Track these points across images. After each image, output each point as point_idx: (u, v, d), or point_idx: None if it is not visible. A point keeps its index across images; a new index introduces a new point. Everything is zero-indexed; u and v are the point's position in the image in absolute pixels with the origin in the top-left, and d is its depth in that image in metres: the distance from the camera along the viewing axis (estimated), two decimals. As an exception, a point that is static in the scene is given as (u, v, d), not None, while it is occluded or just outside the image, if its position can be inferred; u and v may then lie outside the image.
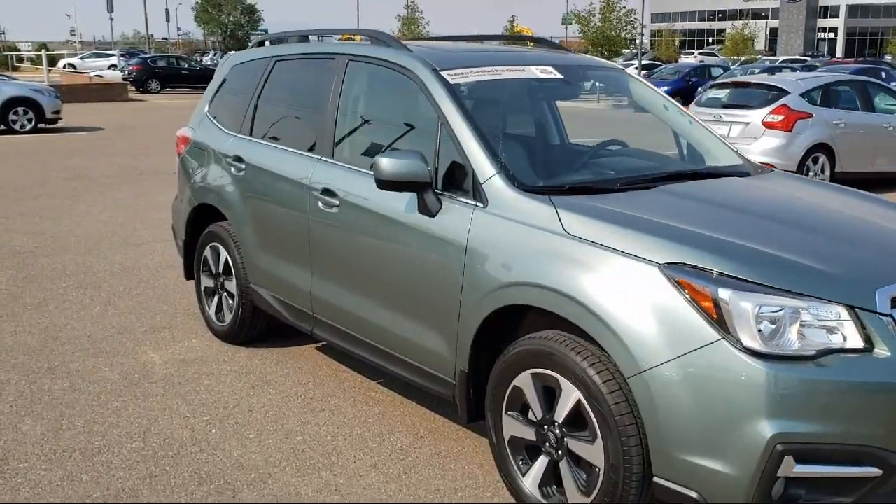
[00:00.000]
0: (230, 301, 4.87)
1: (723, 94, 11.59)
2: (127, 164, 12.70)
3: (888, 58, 58.72)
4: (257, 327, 4.84)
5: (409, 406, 4.10)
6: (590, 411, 2.74)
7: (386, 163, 3.26)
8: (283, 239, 4.28)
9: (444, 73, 3.58)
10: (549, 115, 4.56)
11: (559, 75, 3.92)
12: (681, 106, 4.42)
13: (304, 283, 4.15)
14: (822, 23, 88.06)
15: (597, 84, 4.51)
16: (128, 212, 8.99)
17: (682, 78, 29.90)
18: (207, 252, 4.99)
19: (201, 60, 41.27)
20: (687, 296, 2.55)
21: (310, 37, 4.75)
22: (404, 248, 3.48)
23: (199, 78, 33.86)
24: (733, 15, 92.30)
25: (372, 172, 3.67)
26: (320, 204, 3.93)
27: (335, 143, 4.02)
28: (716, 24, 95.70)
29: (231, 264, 4.75)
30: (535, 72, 3.88)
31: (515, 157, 3.51)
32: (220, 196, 4.73)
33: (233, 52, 5.09)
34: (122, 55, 46.63)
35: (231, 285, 4.80)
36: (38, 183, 10.81)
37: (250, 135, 4.68)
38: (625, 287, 2.66)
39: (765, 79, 11.89)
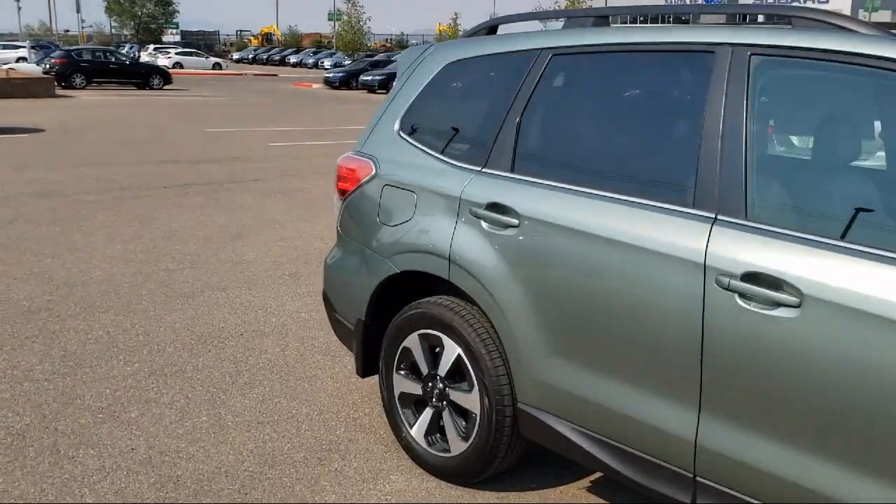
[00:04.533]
0: (461, 421, 3.18)
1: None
2: (101, 175, 10.56)
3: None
4: (504, 464, 3.17)
5: None
6: None
7: None
8: (625, 346, 2.61)
9: None
10: None
11: None
12: None
13: (678, 424, 2.50)
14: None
15: None
16: (141, 244, 7.03)
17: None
18: (411, 342, 3.29)
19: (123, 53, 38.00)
20: None
21: (610, 18, 3.06)
22: None
23: (128, 73, 31.09)
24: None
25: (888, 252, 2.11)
26: (739, 300, 2.31)
27: (748, 192, 2.40)
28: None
29: (469, 366, 3.06)
30: None
31: None
32: (461, 265, 3.02)
33: (435, 42, 3.33)
34: (33, 47, 43.12)
35: (466, 398, 3.11)
36: (1, 202, 8.67)
37: (512, 171, 3.00)
38: None
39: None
